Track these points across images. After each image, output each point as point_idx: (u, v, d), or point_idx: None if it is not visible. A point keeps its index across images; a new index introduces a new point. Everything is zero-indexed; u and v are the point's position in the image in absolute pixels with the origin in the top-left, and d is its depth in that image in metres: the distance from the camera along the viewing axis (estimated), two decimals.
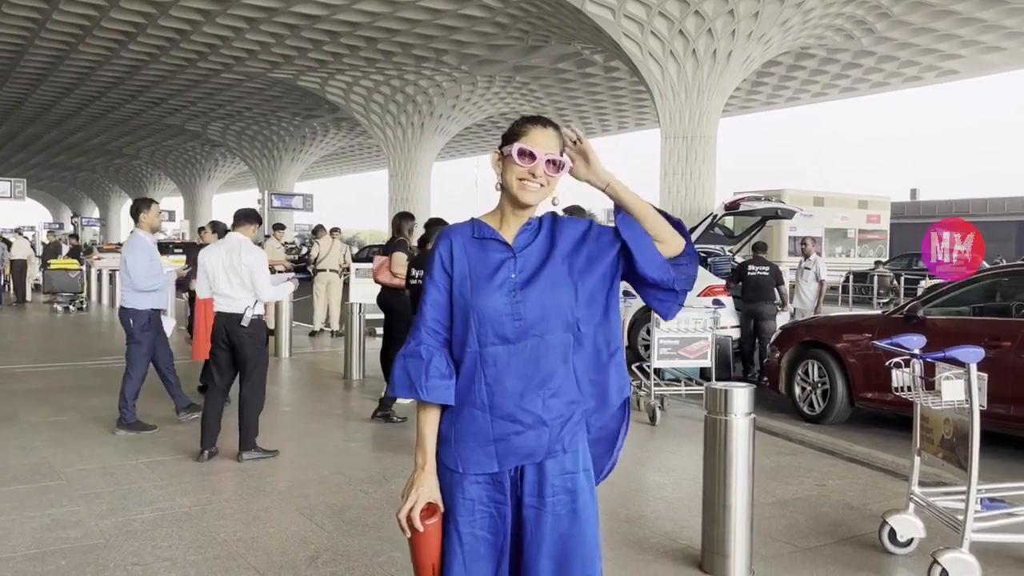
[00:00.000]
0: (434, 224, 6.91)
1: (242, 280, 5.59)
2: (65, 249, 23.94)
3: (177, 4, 23.10)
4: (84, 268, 19.01)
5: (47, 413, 6.97)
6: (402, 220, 7.91)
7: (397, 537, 3.99)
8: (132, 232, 6.65)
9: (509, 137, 2.05)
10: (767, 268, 10.15)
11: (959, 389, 3.47)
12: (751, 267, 10.14)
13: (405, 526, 1.98)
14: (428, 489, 1.99)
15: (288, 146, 44.77)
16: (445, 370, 2.01)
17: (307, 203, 36.53)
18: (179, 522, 4.25)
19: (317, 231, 14.17)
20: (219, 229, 8.31)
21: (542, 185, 2.01)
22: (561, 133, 2.06)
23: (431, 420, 2.03)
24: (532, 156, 1.98)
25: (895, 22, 24.02)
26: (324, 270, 13.26)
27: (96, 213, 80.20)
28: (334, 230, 13.88)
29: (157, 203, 6.85)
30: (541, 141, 2.00)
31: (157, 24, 24.88)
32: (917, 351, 3.82)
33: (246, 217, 5.91)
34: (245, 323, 5.57)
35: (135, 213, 6.57)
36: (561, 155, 2.03)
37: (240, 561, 3.75)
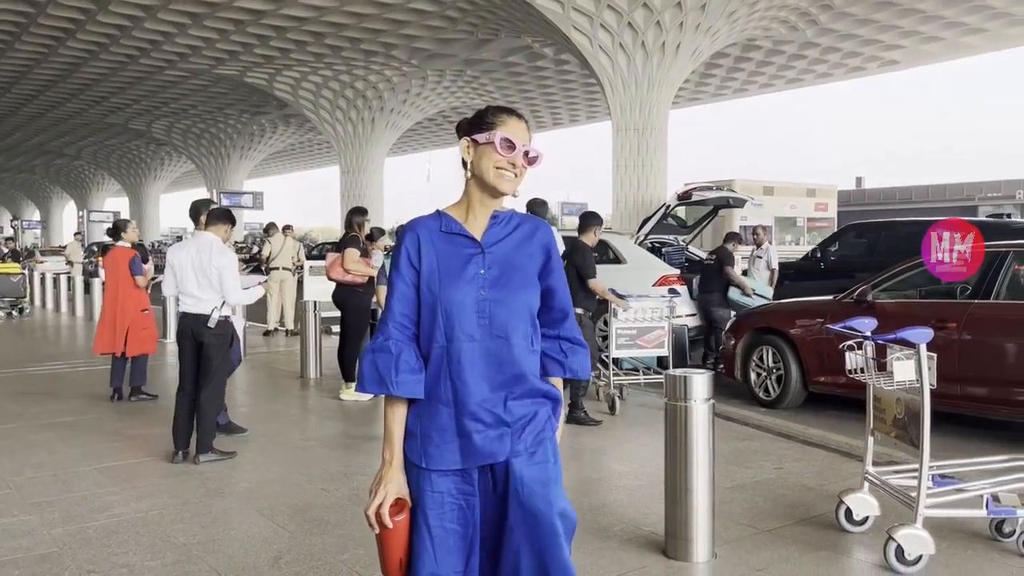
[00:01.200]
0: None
1: (210, 281, 5.48)
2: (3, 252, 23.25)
3: (116, 0, 22.56)
4: (26, 272, 18.47)
5: None
6: (353, 215, 7.85)
7: (360, 535, 3.97)
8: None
9: (483, 125, 2.04)
10: (712, 256, 10.33)
11: (910, 369, 3.56)
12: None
13: (374, 522, 1.98)
14: (396, 485, 2.00)
15: (236, 144, 44.07)
16: (415, 364, 2.00)
17: (257, 201, 36.05)
18: (135, 528, 4.15)
19: (268, 229, 13.96)
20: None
21: (516, 175, 2.03)
22: (528, 125, 2.09)
23: (399, 416, 2.03)
24: (513, 146, 2.00)
25: (837, 13, 24.50)
26: (277, 268, 13.08)
27: (37, 216, 78.08)
28: (286, 228, 13.71)
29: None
30: (519, 132, 2.03)
31: (96, 20, 24.26)
32: (869, 333, 3.90)
33: (219, 217, 5.73)
34: (212, 324, 5.47)
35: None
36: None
37: (200, 564, 3.68)
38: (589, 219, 7.04)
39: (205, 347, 5.52)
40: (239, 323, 6.87)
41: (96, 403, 7.50)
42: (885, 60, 31.16)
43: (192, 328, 5.53)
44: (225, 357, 5.67)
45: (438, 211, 2.11)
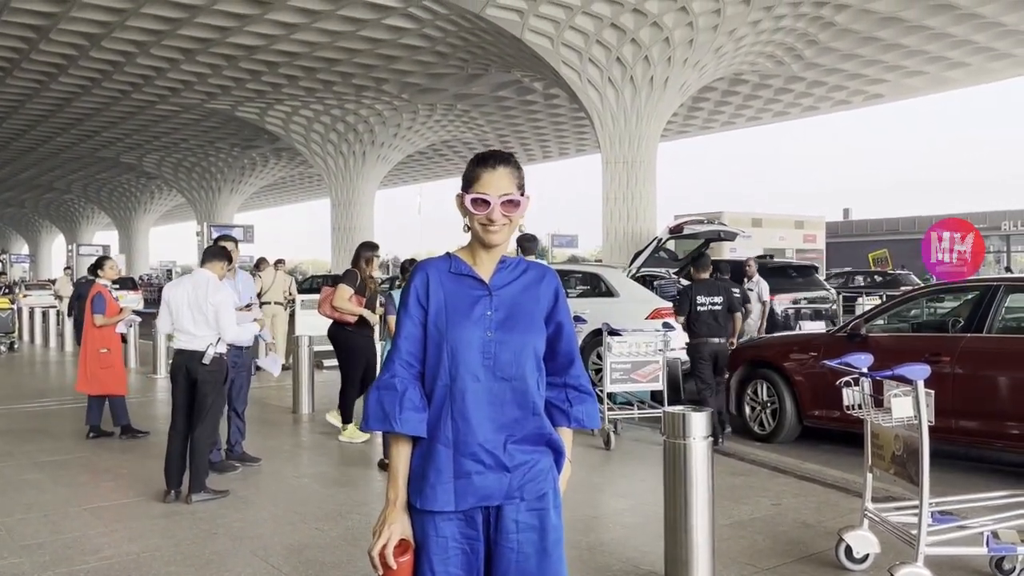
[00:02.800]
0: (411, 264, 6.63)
1: (206, 318, 5.48)
2: None
3: (110, 36, 22.71)
4: (15, 308, 18.35)
5: None
6: (362, 250, 7.54)
7: (358, 575, 3.92)
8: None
9: (464, 181, 2.07)
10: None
11: (908, 406, 3.57)
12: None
13: (378, 563, 1.95)
14: (400, 525, 1.98)
15: (227, 177, 44.16)
16: (419, 402, 2.01)
17: (248, 234, 35.98)
18: (127, 570, 4.09)
19: (259, 264, 13.93)
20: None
21: (504, 225, 2.04)
22: (515, 166, 2.08)
23: (403, 455, 2.02)
24: (486, 203, 2.01)
25: (823, 48, 24.89)
26: (269, 303, 13.04)
27: (26, 249, 77.80)
28: (278, 262, 13.70)
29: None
30: (493, 183, 2.02)
31: (89, 56, 24.39)
32: (865, 369, 3.91)
33: (215, 255, 5.81)
34: (206, 360, 5.47)
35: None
36: (519, 190, 2.06)
37: None
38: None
39: (200, 384, 5.50)
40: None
41: (86, 441, 7.42)
42: (870, 94, 31.64)
43: (187, 365, 5.51)
44: (220, 394, 5.64)
45: (448, 253, 2.13)
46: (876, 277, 26.50)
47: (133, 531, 4.78)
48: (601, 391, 7.28)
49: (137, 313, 9.14)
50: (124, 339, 7.86)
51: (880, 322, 7.08)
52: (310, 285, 29.14)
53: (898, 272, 26.83)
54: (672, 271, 12.51)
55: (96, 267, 8.12)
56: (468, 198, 2.03)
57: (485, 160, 2.07)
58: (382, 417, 1.99)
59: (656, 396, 7.84)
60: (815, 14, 22.10)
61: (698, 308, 7.41)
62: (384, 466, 6.46)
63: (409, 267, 7.07)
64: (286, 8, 20.97)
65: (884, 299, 9.92)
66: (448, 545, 1.97)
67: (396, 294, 6.35)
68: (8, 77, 26.55)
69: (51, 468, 6.35)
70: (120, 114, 32.61)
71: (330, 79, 27.53)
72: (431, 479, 1.97)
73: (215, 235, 35.55)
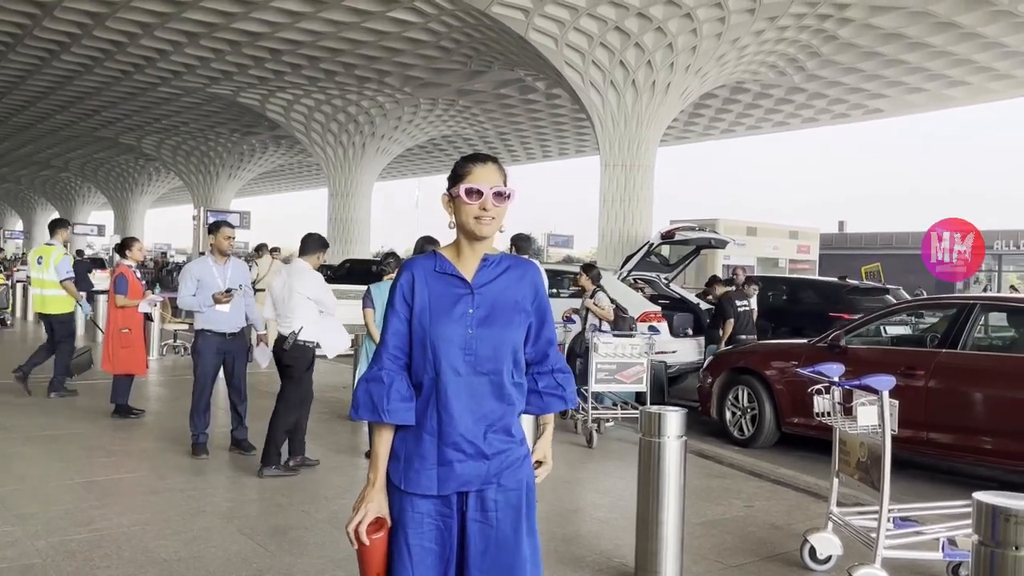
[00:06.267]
0: (427, 242, 6.50)
1: (298, 304, 5.82)
2: None
3: (115, 16, 22.74)
4: (9, 284, 18.42)
5: None
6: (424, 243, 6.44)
7: (340, 556, 4.07)
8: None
9: (454, 179, 2.21)
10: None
11: (873, 414, 3.73)
12: (737, 301, 10.35)
13: (353, 538, 2.11)
14: (376, 504, 2.13)
15: (225, 162, 44.17)
16: (406, 392, 2.16)
17: (244, 221, 36.08)
18: (117, 542, 4.23)
19: (259, 250, 14.05)
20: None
21: (493, 217, 2.18)
22: (500, 165, 2.24)
23: (385, 440, 2.17)
24: (480, 193, 2.16)
25: (824, 61, 25.05)
26: (263, 290, 13.15)
27: (19, 225, 77.61)
28: (273, 250, 13.82)
29: (230, 225, 6.68)
30: (485, 176, 2.18)
31: (92, 35, 24.41)
32: (836, 378, 4.07)
33: (315, 245, 6.13)
34: (287, 346, 5.85)
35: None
36: (504, 185, 2.21)
37: None
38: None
39: (283, 367, 5.97)
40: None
41: (81, 418, 7.55)
42: (870, 108, 31.85)
43: (276, 349, 5.98)
44: (300, 380, 6.01)
45: (434, 251, 2.27)
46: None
47: (124, 506, 4.92)
48: (585, 391, 7.44)
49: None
50: (149, 318, 7.98)
51: (860, 335, 7.25)
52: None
53: (888, 287, 27.01)
54: (663, 276, 12.67)
55: (122, 248, 8.24)
56: (462, 188, 2.16)
57: (475, 157, 2.23)
58: (371, 407, 2.14)
59: (640, 398, 8.01)
60: (818, 27, 22.27)
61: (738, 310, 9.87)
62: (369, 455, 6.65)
63: (391, 259, 7.21)
64: None
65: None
66: (423, 520, 2.13)
67: (373, 289, 6.49)
68: (10, 52, 26.55)
69: (44, 442, 6.48)
70: (121, 94, 32.61)
71: (333, 69, 27.60)
72: (416, 465, 2.12)
73: (211, 219, 35.68)
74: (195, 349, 6.42)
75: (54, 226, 9.32)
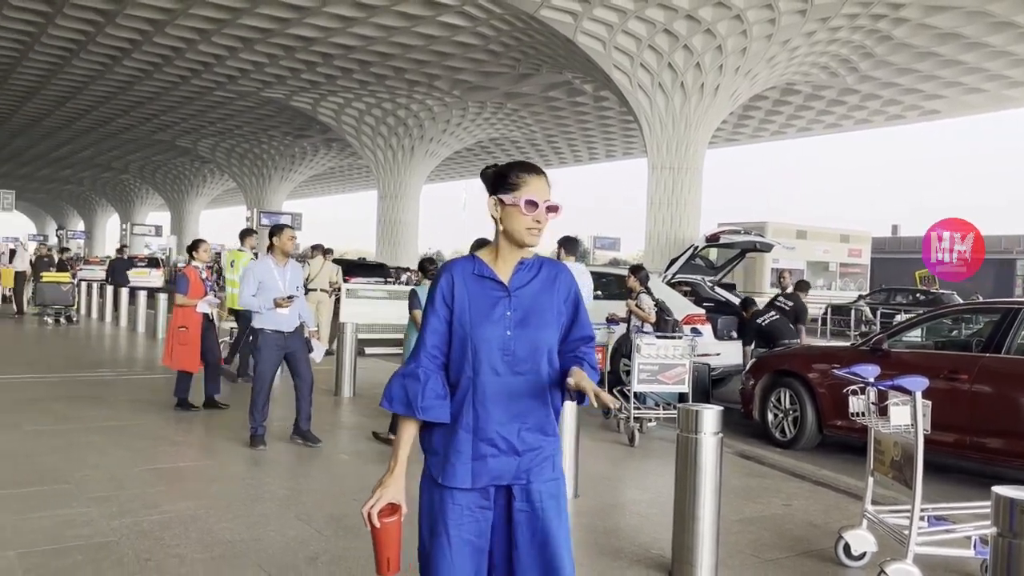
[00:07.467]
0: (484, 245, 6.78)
1: None
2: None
3: (174, 23, 23.49)
4: (75, 282, 19.17)
5: (49, 422, 7.21)
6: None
7: None
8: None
9: (505, 185, 2.26)
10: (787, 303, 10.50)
11: (906, 414, 3.83)
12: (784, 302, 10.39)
13: (366, 520, 2.23)
14: (392, 491, 2.24)
15: (278, 165, 45.12)
16: (441, 391, 2.25)
17: (296, 222, 36.85)
18: (185, 523, 4.52)
19: (314, 249, 14.45)
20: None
21: (542, 229, 2.28)
22: (548, 177, 2.30)
23: (409, 431, 2.28)
24: (536, 205, 2.24)
25: (879, 62, 24.73)
26: (315, 290, 13.53)
27: (81, 226, 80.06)
28: (326, 251, 14.17)
29: (292, 228, 6.98)
30: (539, 189, 2.25)
31: (153, 41, 25.23)
32: (871, 379, 4.17)
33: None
34: None
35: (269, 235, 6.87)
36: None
37: (245, 560, 4.03)
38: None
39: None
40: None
41: (142, 410, 7.93)
42: (926, 109, 31.28)
43: None
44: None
45: (472, 255, 2.36)
46: (919, 295, 26.24)
47: (188, 491, 5.22)
48: (628, 390, 7.59)
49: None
50: (209, 319, 8.30)
51: (904, 338, 7.27)
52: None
53: (941, 292, 26.51)
54: (708, 279, 12.73)
55: (192, 248, 8.65)
56: (522, 200, 2.21)
57: (528, 167, 2.28)
58: (406, 402, 2.23)
59: (683, 399, 8.12)
60: (872, 27, 22.00)
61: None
62: (376, 436, 7.06)
63: (428, 266, 7.49)
64: (344, 2, 21.51)
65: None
66: (463, 512, 2.23)
67: (419, 290, 6.73)
68: (74, 59, 27.56)
69: (111, 433, 6.85)
70: (178, 99, 33.59)
71: (383, 73, 28.08)
72: (452, 459, 2.22)
73: (264, 220, 36.32)
74: (256, 347, 6.72)
75: (243, 235, 10.74)
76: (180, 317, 8.14)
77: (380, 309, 13.79)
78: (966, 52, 23.84)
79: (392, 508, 2.23)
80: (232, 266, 10.43)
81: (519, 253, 2.31)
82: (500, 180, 2.28)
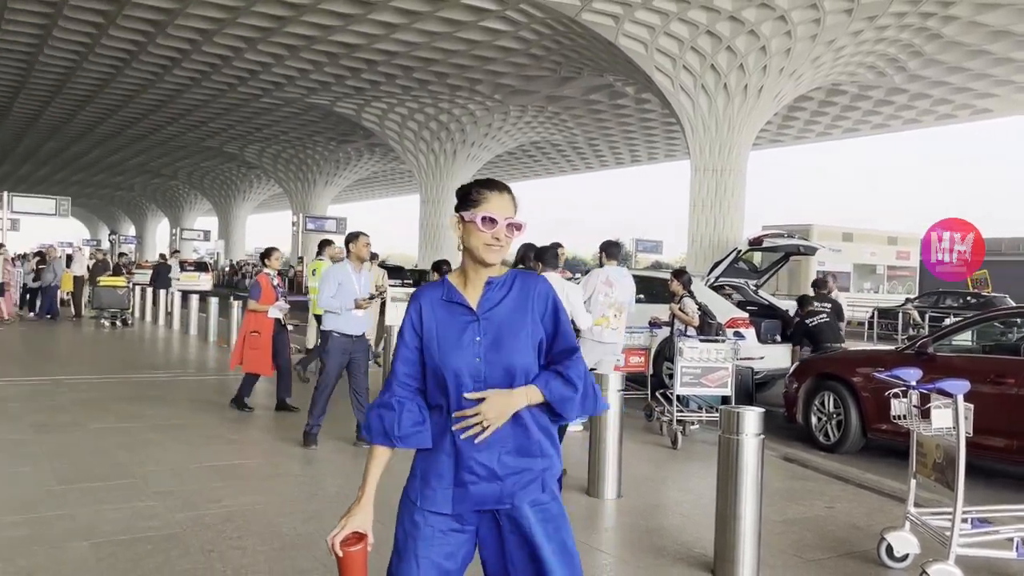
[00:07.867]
0: (529, 250, 6.95)
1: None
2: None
3: (221, 32, 24.04)
4: (130, 285, 19.75)
5: (111, 420, 7.53)
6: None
7: None
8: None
9: (467, 203, 2.22)
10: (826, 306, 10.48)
11: (948, 417, 3.87)
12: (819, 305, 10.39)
13: (330, 549, 2.22)
14: (357, 520, 2.23)
15: (323, 170, 45.77)
16: (418, 416, 2.23)
17: (341, 226, 37.35)
18: (245, 517, 4.74)
19: (372, 258, 14.75)
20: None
21: (503, 246, 2.21)
22: (514, 196, 2.25)
23: (377, 461, 2.27)
24: (494, 222, 2.18)
25: (928, 60, 24.30)
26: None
27: (132, 231, 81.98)
28: (372, 256, 14.43)
29: (366, 235, 7.13)
30: (500, 206, 2.20)
31: (201, 50, 25.84)
32: (913, 382, 4.22)
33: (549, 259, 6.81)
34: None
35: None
36: (515, 216, 2.23)
37: (303, 552, 4.22)
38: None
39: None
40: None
41: (198, 409, 8.22)
42: (978, 108, 30.63)
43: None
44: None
45: (444, 279, 2.31)
46: (969, 299, 25.74)
47: (245, 487, 5.45)
48: (671, 393, 7.67)
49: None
50: (281, 323, 8.53)
51: (952, 342, 7.24)
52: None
53: (993, 295, 25.96)
54: (751, 282, 12.70)
55: (264, 256, 9.00)
56: (478, 216, 2.17)
57: (491, 184, 2.24)
58: (383, 433, 2.22)
59: (726, 402, 8.16)
60: (921, 25, 21.66)
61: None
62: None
63: (444, 266, 7.63)
64: (388, 8, 21.82)
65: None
66: (434, 534, 2.20)
67: None
68: (127, 68, 28.33)
69: (171, 431, 7.13)
70: (226, 106, 34.31)
71: (426, 78, 28.38)
72: (432, 483, 2.20)
73: (309, 225, 36.87)
74: (324, 349, 6.93)
75: (322, 245, 11.37)
76: (253, 322, 8.36)
77: None
78: (1018, 50, 23.34)
79: (358, 537, 2.23)
80: (314, 275, 10.95)
81: (484, 272, 2.25)
82: (463, 197, 2.25)
